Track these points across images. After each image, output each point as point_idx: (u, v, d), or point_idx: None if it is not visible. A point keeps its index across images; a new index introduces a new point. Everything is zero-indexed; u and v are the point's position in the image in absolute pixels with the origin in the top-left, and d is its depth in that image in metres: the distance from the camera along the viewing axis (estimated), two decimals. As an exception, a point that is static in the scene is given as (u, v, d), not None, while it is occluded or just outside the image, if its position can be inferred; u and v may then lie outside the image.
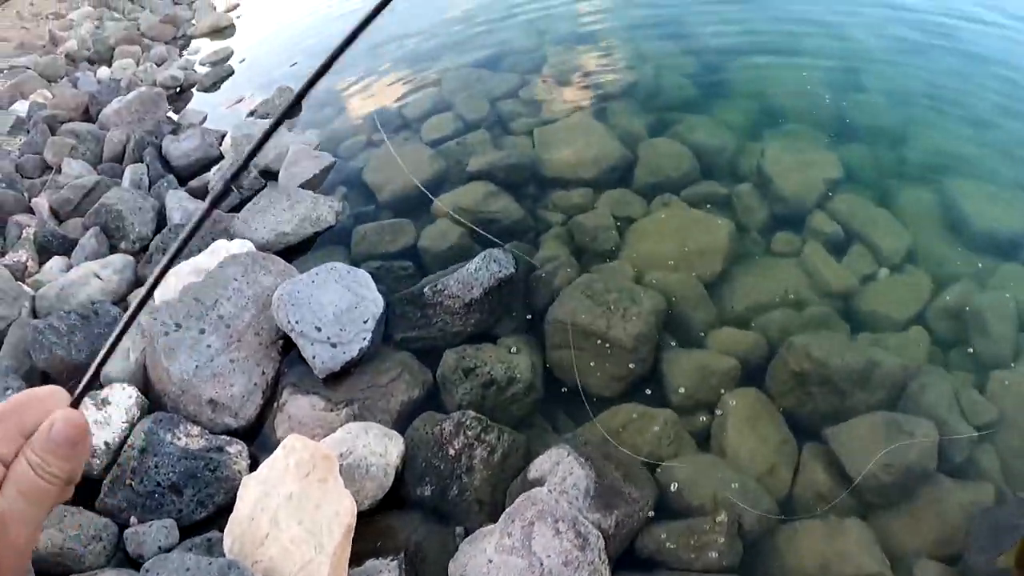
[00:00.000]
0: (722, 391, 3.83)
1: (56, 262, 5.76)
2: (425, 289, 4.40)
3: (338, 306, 4.26)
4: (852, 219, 4.73)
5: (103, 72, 12.13)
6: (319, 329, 4.12)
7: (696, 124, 5.83)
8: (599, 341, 4.01)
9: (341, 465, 3.34)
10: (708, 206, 5.01)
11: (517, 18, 9.14)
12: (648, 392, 3.93)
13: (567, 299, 4.26)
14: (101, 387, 4.07)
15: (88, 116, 9.38)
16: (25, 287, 5.30)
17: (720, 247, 4.59)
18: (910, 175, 5.16)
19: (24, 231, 6.17)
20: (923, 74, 6.31)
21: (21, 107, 10.30)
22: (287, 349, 4.31)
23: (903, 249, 4.49)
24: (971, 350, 3.96)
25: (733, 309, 4.29)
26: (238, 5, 15.84)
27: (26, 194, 7.16)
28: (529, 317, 4.39)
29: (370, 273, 4.59)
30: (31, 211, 6.68)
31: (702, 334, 4.16)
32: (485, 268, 4.41)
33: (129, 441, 3.73)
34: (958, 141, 5.42)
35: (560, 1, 9.51)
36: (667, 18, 8.16)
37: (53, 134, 8.53)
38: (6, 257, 5.82)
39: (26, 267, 5.77)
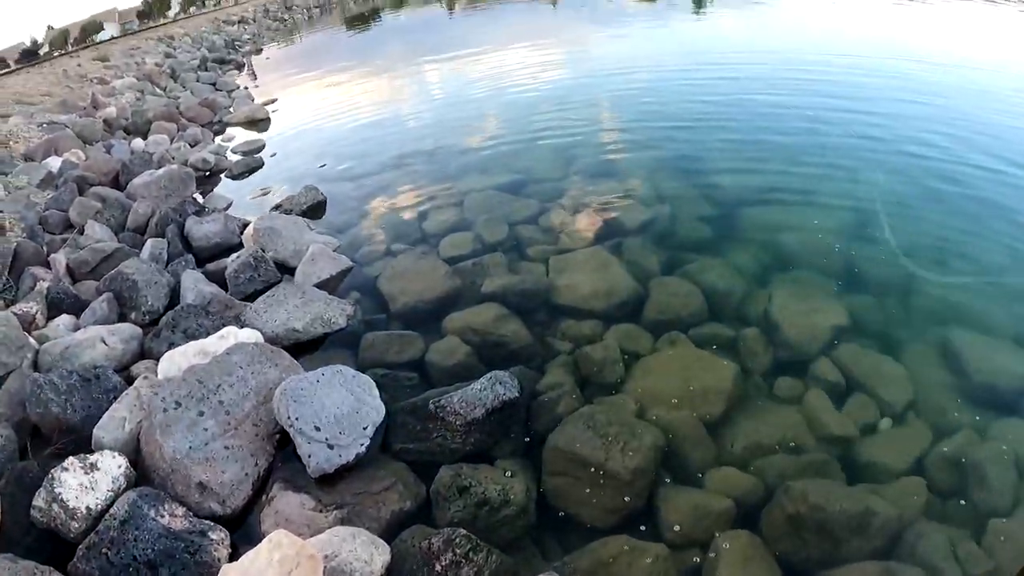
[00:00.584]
0: (716, 532, 3.82)
1: (64, 320, 5.81)
2: (428, 403, 4.44)
3: (340, 409, 4.29)
4: (855, 367, 4.77)
5: (138, 143, 12.43)
6: (318, 429, 4.14)
7: (708, 265, 5.98)
8: (596, 472, 4.02)
9: (325, 567, 3.30)
10: (714, 347, 5.07)
11: (543, 144, 9.51)
12: (642, 527, 3.90)
13: (568, 428, 4.29)
14: (92, 452, 4.06)
15: (117, 183, 9.58)
16: (31, 339, 5.34)
17: (723, 388, 4.63)
18: (915, 325, 5.23)
19: (38, 284, 6.24)
20: (933, 224, 6.46)
21: (54, 163, 10.51)
22: (283, 444, 4.31)
23: (904, 399, 4.51)
24: (969, 501, 3.95)
25: (732, 450, 4.30)
26: (275, 100, 16.39)
27: (45, 248, 7.27)
28: (528, 441, 4.40)
29: (375, 380, 4.64)
30: (47, 265, 6.76)
31: (700, 473, 4.16)
32: (490, 389, 4.46)
33: (112, 510, 3.69)
34: (963, 293, 5.48)
35: (586, 131, 9.90)
36: (687, 157, 8.49)
37: (81, 194, 8.70)
38: (16, 306, 5.86)
39: (34, 319, 5.81)
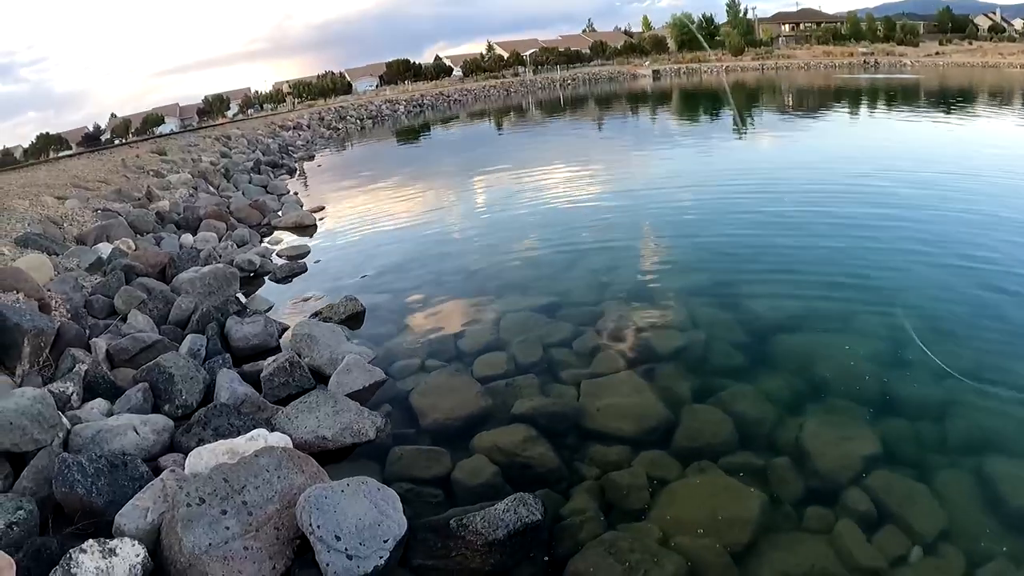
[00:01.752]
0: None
1: (99, 404, 5.92)
2: (451, 521, 4.43)
3: (362, 520, 4.30)
4: (887, 497, 4.64)
5: (187, 238, 12.78)
6: (338, 538, 4.14)
7: (740, 393, 5.94)
8: (617, 599, 3.97)
9: None
10: (743, 475, 5.01)
11: (581, 266, 9.66)
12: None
13: (589, 553, 4.24)
14: (111, 537, 4.09)
15: (164, 276, 9.83)
16: (64, 418, 5.43)
17: (750, 518, 4.56)
18: (948, 452, 5.10)
19: (77, 366, 6.37)
20: (968, 348, 6.37)
21: (104, 249, 10.83)
22: (303, 551, 4.29)
23: (936, 528, 4.36)
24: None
25: None
26: (323, 208, 16.80)
27: (88, 331, 7.44)
28: (549, 566, 4.35)
29: (400, 494, 4.65)
30: (88, 349, 6.91)
31: None
32: (513, 511, 4.45)
33: (126, 601, 3.71)
34: (998, 418, 5.36)
35: (624, 253, 10.06)
36: (723, 283, 8.56)
37: (127, 283, 8.95)
38: (54, 384, 5.99)
39: (70, 400, 5.93)
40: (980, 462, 4.91)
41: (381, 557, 4.17)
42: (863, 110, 31.67)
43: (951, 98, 34.22)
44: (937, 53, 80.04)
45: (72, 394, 5.99)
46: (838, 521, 4.54)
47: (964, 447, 5.14)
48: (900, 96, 38.61)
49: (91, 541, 3.94)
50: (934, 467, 4.96)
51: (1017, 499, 4.52)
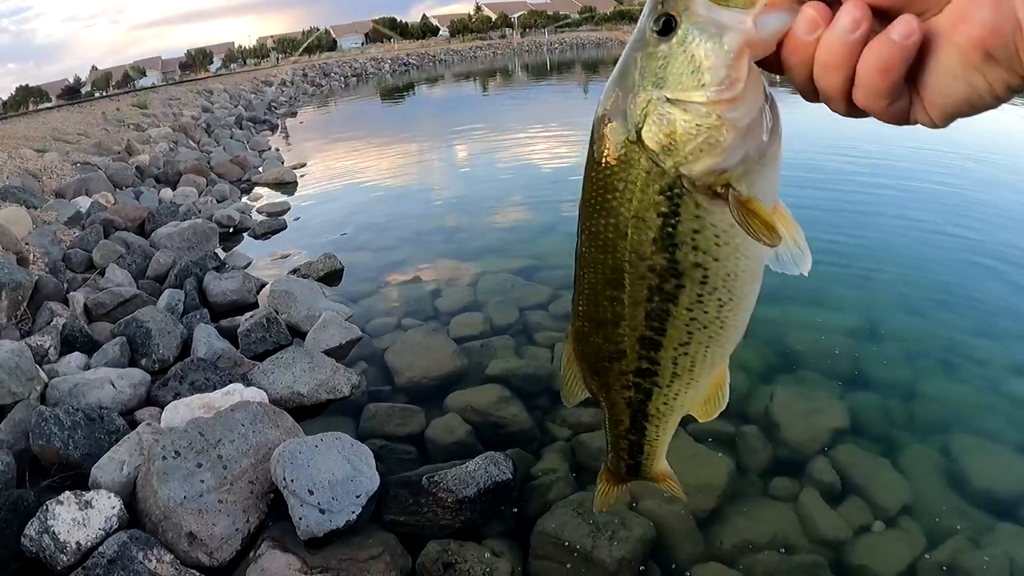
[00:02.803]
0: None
1: (75, 358, 5.93)
2: (423, 478, 4.49)
3: (335, 475, 4.36)
4: (852, 470, 4.72)
5: (166, 193, 12.72)
6: (311, 492, 4.20)
7: None
8: (583, 559, 4.05)
9: (303, 631, 3.35)
10: (712, 442, 5.11)
11: (560, 232, 9.66)
12: (625, 618, 3.92)
13: (558, 513, 4.31)
14: (88, 489, 4.14)
15: (143, 230, 9.80)
16: (41, 372, 5.46)
17: (718, 484, 4.63)
18: (914, 429, 5.19)
19: (55, 319, 6.37)
20: (943, 326, 6.45)
21: (83, 202, 10.76)
22: (276, 504, 4.36)
23: (899, 502, 4.46)
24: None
25: (722, 547, 4.30)
26: (304, 164, 16.73)
27: (66, 285, 7.42)
28: (518, 524, 4.42)
29: (373, 451, 4.69)
30: (66, 302, 6.91)
31: (687, 569, 4.18)
32: (484, 469, 4.51)
33: (101, 548, 3.76)
34: (968, 397, 5.49)
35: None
36: None
37: (106, 237, 8.92)
38: (31, 338, 5.99)
39: (47, 353, 5.94)
40: (946, 440, 5.00)
41: (353, 512, 4.23)
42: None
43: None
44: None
45: (49, 347, 6.00)
46: (803, 490, 4.63)
47: (930, 424, 5.24)
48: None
49: (67, 493, 3.99)
50: (900, 443, 5.05)
51: (980, 478, 4.61)
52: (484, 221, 10.58)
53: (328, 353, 6.19)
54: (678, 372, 0.91)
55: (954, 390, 5.59)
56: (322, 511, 4.15)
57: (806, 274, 0.80)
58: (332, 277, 8.40)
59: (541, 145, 17.05)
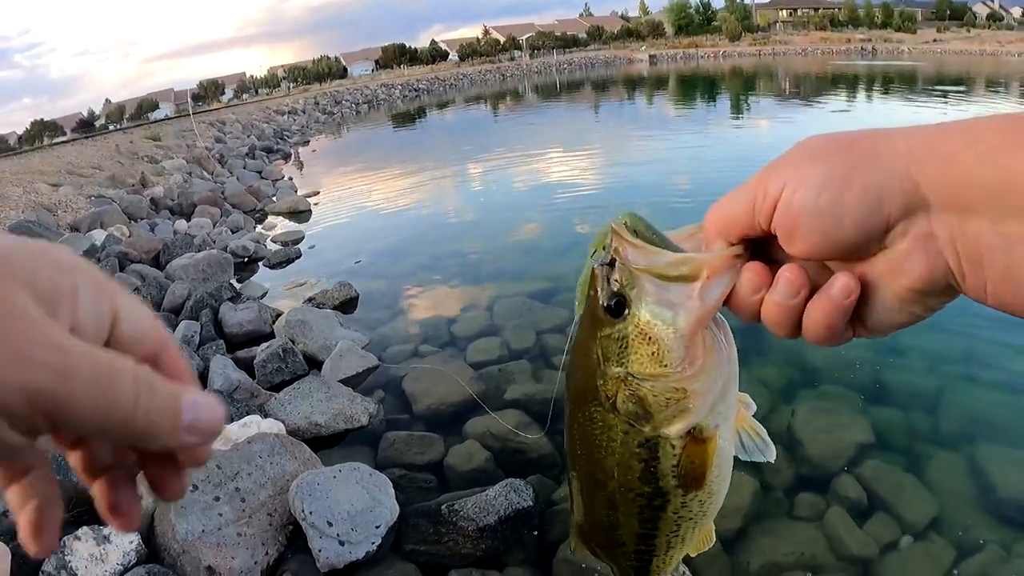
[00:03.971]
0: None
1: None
2: (443, 506, 4.44)
3: (354, 506, 4.32)
4: (878, 484, 4.64)
5: (181, 224, 12.76)
6: (330, 524, 4.16)
7: None
8: (607, 583, 3.99)
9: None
10: (734, 461, 5.01)
11: (577, 253, 9.56)
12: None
13: (581, 538, 4.27)
14: (106, 524, 4.11)
15: (158, 262, 9.82)
16: (58, 410, 5.43)
17: (742, 505, 4.56)
18: (940, 441, 5.11)
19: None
20: (963, 335, 6.32)
21: (98, 235, 10.83)
22: (295, 536, 4.32)
23: (927, 516, 4.38)
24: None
25: (748, 568, 4.24)
26: (318, 192, 16.78)
27: (81, 321, 7.41)
28: (539, 551, 4.37)
29: (392, 480, 4.65)
30: (82, 338, 6.88)
31: None
32: (504, 497, 4.45)
33: (119, 586, 3.74)
34: (992, 406, 5.40)
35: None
36: None
37: (121, 270, 8.94)
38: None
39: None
40: (972, 451, 4.92)
41: (373, 543, 4.19)
42: (860, 97, 31.69)
43: (949, 85, 34.19)
44: (935, 40, 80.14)
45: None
46: (829, 508, 4.55)
47: (956, 436, 5.15)
48: (897, 83, 38.59)
49: (86, 528, 3.97)
50: (925, 455, 4.97)
51: (1007, 488, 4.53)
52: (498, 244, 10.55)
53: (345, 382, 6.15)
54: (672, 545, 1.00)
55: (977, 399, 5.51)
56: (341, 543, 4.11)
57: (772, 461, 0.92)
58: (347, 305, 8.38)
59: (553, 167, 17.05)
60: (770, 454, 0.91)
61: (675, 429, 0.82)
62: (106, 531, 4.01)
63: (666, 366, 0.77)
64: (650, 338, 0.77)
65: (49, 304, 0.47)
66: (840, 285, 0.67)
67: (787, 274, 0.70)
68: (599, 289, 0.81)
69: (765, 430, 0.91)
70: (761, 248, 0.74)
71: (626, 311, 0.78)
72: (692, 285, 0.74)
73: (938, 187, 0.60)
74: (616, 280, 0.79)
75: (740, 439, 0.92)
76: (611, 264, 0.80)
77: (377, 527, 4.28)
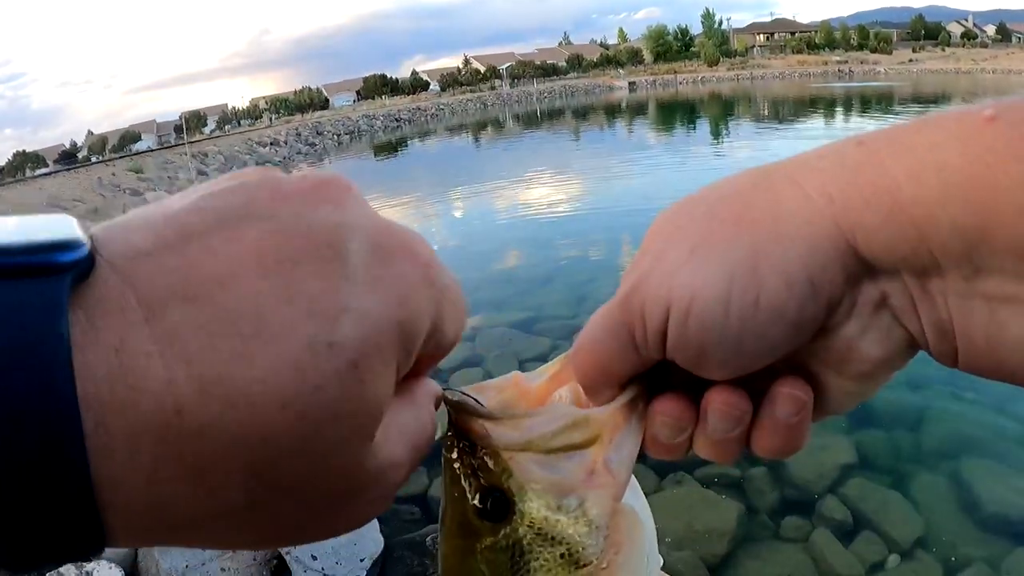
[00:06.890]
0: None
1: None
2: (427, 538, 4.44)
3: (338, 539, 4.31)
4: (863, 504, 4.65)
5: (163, 258, 12.69)
6: (315, 558, 4.16)
7: None
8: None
9: None
10: (719, 486, 5.03)
11: (559, 282, 9.70)
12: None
13: (563, 573, 4.25)
14: (89, 559, 4.09)
15: (139, 297, 9.76)
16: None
17: (727, 529, 4.55)
18: (923, 459, 5.16)
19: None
20: None
21: (79, 273, 10.73)
22: (280, 571, 4.30)
23: (913, 535, 4.40)
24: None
25: None
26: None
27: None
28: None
29: (376, 513, 4.66)
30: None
31: None
32: (487, 530, 4.46)
33: (102, 626, 3.72)
34: (975, 421, 5.44)
35: (601, 267, 10.17)
36: None
37: (103, 306, 8.89)
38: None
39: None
40: (956, 468, 4.95)
41: (357, 576, 4.19)
42: (838, 118, 32.07)
43: (925, 104, 34.65)
44: (911, 60, 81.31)
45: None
46: (815, 530, 4.57)
47: (939, 453, 5.19)
48: (875, 103, 39.10)
49: (70, 565, 3.95)
50: (910, 474, 5.00)
51: (992, 504, 4.55)
52: (480, 274, 10.56)
53: (328, 414, 6.14)
54: None
55: (960, 415, 5.54)
56: (326, 577, 4.11)
57: None
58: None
59: (534, 196, 17.13)
60: None
61: None
62: (89, 567, 3.99)
63: (585, 566, 0.53)
64: (554, 538, 0.53)
65: None
66: (785, 401, 0.51)
67: (718, 405, 0.51)
68: (465, 487, 0.57)
69: None
70: (662, 366, 0.52)
71: (510, 510, 0.53)
72: (588, 453, 0.53)
73: (886, 244, 0.42)
74: (483, 471, 0.55)
75: None
76: (470, 450, 0.57)
77: (362, 560, 4.28)
